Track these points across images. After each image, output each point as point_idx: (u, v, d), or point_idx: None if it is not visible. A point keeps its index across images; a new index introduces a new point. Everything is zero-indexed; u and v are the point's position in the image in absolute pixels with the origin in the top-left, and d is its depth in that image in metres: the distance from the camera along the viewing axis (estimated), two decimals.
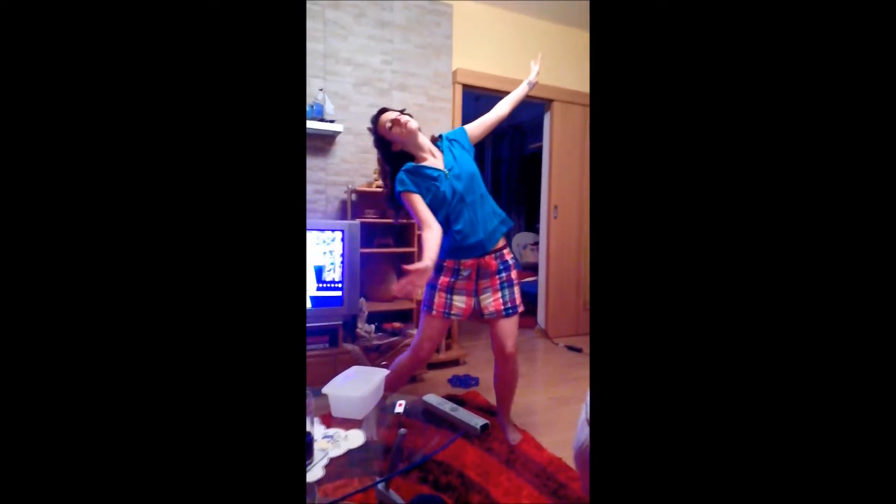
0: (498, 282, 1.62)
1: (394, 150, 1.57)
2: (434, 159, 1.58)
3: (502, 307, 1.61)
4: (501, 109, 1.76)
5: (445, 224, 1.55)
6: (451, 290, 1.60)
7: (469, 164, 1.60)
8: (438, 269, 1.60)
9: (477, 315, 1.65)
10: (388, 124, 1.52)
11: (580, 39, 3.34)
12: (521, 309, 1.66)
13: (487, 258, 1.59)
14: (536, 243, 3.66)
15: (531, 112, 3.94)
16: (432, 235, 1.44)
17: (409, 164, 1.54)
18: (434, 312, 1.60)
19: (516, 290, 1.65)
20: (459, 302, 1.60)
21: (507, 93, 2.96)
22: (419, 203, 1.50)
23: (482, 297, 1.62)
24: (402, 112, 1.54)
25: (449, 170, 1.55)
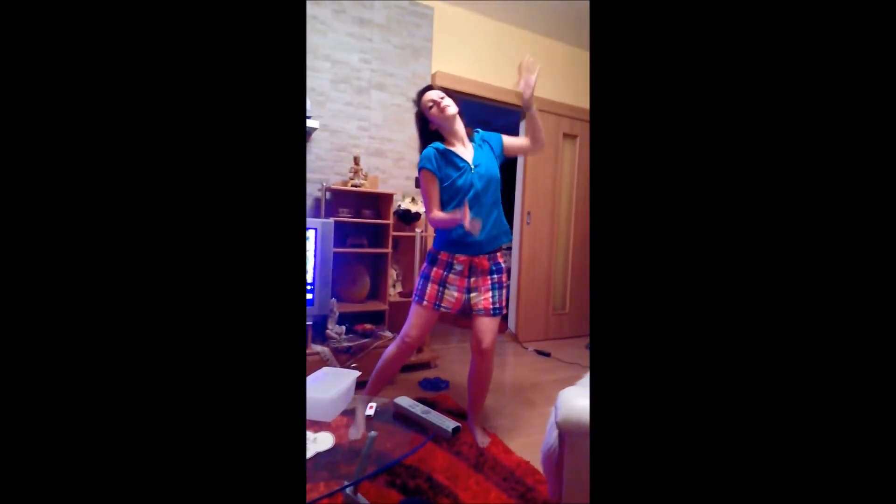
0: (489, 282, 1.65)
1: (430, 129, 1.62)
2: (464, 149, 1.61)
3: (491, 306, 1.64)
4: (525, 142, 1.69)
5: None
6: (443, 282, 1.63)
7: (494, 169, 1.63)
8: (433, 260, 1.64)
9: (465, 310, 1.67)
10: (429, 104, 1.57)
11: (557, 50, 3.41)
12: (505, 311, 1.70)
13: (481, 257, 1.63)
14: (509, 248, 3.69)
15: (506, 119, 3.98)
16: (441, 213, 1.55)
17: (441, 146, 1.58)
18: (425, 303, 1.62)
19: (505, 292, 1.69)
20: (450, 296, 1.63)
21: (485, 98, 3.03)
22: (434, 186, 1.57)
23: (473, 294, 1.65)
24: (446, 93, 1.58)
25: (475, 165, 1.59)
